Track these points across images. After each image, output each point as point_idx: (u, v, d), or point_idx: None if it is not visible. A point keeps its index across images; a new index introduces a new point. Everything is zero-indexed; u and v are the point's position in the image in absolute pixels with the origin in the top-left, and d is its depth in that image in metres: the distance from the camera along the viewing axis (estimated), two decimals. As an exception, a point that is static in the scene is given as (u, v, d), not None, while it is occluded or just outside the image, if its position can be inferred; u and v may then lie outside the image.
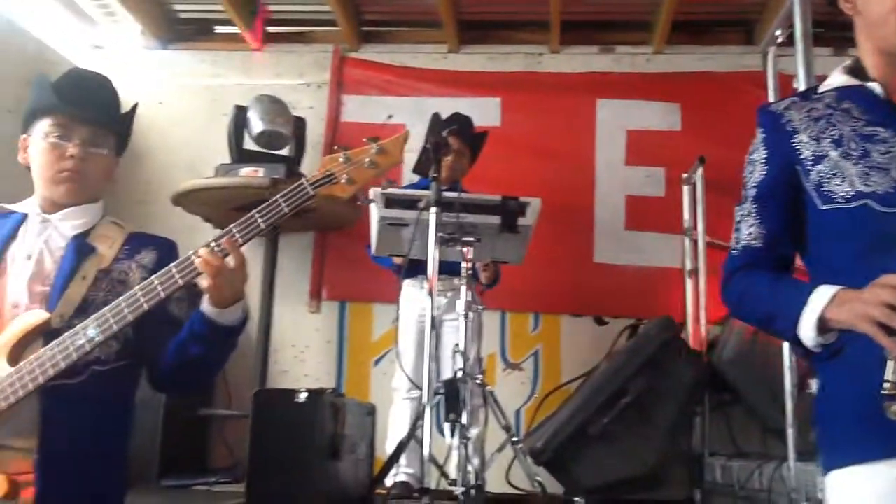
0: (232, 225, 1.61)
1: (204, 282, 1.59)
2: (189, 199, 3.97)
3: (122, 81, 1.91)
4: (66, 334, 1.59)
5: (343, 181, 1.63)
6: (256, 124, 4.03)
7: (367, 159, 1.65)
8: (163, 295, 1.59)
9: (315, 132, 4.49)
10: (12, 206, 1.87)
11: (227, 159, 4.08)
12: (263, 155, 4.05)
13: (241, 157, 4.07)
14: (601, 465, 3.37)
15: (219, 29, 4.88)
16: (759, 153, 1.45)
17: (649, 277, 4.32)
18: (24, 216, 1.83)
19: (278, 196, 1.61)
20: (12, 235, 1.80)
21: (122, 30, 4.80)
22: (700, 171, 3.99)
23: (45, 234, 1.80)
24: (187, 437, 3.91)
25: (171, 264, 1.61)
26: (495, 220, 3.00)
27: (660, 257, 4.33)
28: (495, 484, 3.20)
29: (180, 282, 1.59)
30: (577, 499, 3.15)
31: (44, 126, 1.80)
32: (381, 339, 4.40)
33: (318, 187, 1.63)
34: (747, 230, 1.45)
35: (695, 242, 4.10)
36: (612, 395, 3.37)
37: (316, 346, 4.43)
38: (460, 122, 3.54)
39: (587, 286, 4.33)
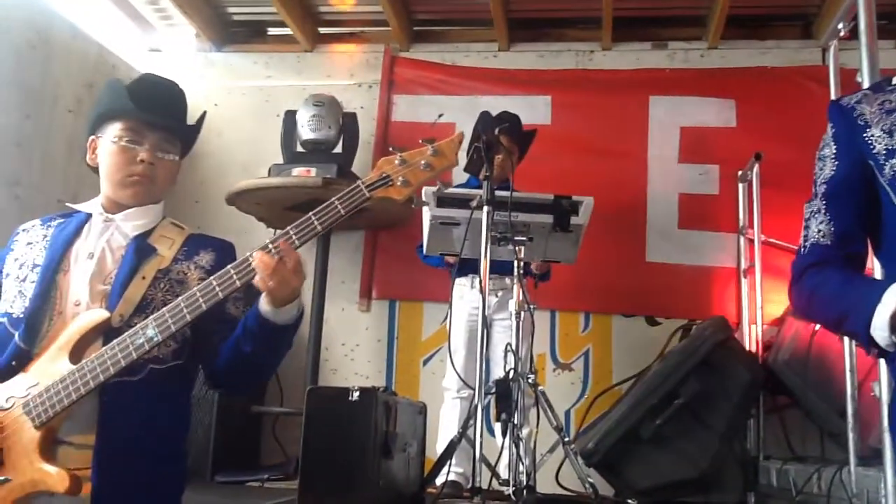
0: (289, 227, 1.62)
1: (261, 282, 1.60)
2: (243, 199, 4.03)
3: (178, 84, 1.94)
4: (125, 334, 1.62)
5: (399, 183, 1.63)
6: (305, 126, 4.07)
7: (422, 161, 1.64)
8: (221, 295, 1.61)
9: (366, 131, 4.52)
10: (77, 206, 1.90)
11: (280, 159, 4.13)
12: (315, 155, 4.08)
13: (293, 157, 4.11)
14: (653, 468, 3.33)
15: (272, 31, 4.95)
16: (828, 149, 1.42)
17: (703, 277, 4.25)
18: (88, 216, 1.87)
19: (334, 199, 1.62)
20: (76, 234, 1.84)
21: (178, 33, 4.91)
22: (756, 167, 3.91)
23: (108, 234, 1.83)
24: (240, 434, 3.97)
25: (230, 265, 1.63)
26: (548, 219, 2.98)
27: (714, 256, 4.26)
28: (545, 484, 3.18)
29: (238, 283, 1.61)
30: (629, 501, 3.11)
31: (115, 129, 1.83)
32: (430, 339, 4.41)
33: (373, 190, 1.63)
34: (816, 227, 1.40)
35: (750, 241, 4.03)
36: (665, 397, 3.33)
37: (366, 344, 4.46)
38: (509, 121, 3.53)
39: (639, 286, 4.28)
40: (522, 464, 2.61)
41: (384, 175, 1.64)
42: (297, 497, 2.43)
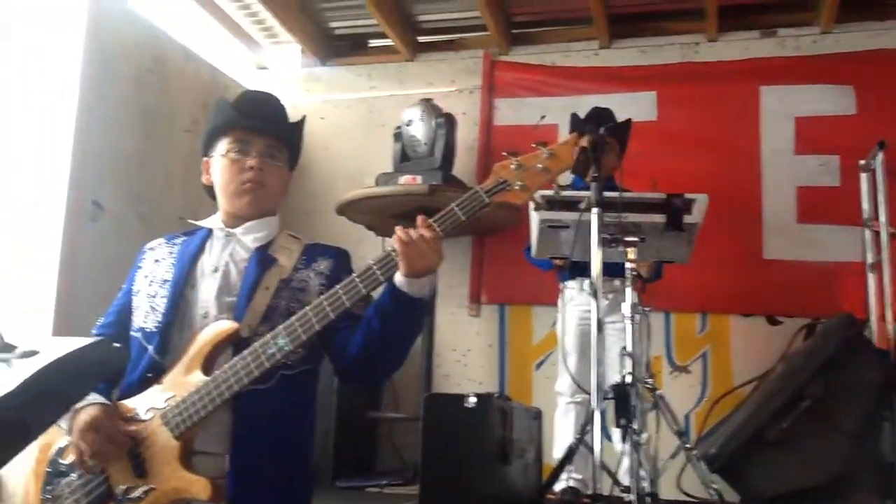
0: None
1: (401, 256, 1.61)
2: (352, 209, 4.10)
3: (285, 100, 2.00)
4: (255, 344, 1.66)
5: (517, 188, 1.62)
6: (409, 135, 4.11)
7: (538, 165, 1.63)
8: (347, 304, 1.64)
9: (469, 137, 4.53)
10: (198, 223, 1.98)
11: (386, 168, 4.19)
12: (417, 162, 4.11)
13: (399, 165, 4.16)
14: (780, 473, 3.20)
15: (373, 42, 5.03)
16: None
17: (826, 273, 4.05)
18: (210, 231, 1.94)
19: (453, 205, 1.63)
20: (201, 250, 1.91)
21: (284, 50, 5.06)
22: (880, 156, 3.71)
23: (230, 248, 1.90)
24: (357, 440, 4.04)
25: (354, 275, 1.65)
26: (660, 218, 2.90)
27: (837, 251, 4.05)
28: (666, 491, 3.10)
29: (363, 291, 1.64)
30: (756, 507, 3.01)
31: (224, 144, 1.90)
32: (541, 343, 4.37)
33: (492, 195, 1.63)
34: None
35: (876, 234, 3.82)
36: (790, 399, 3.21)
37: (477, 349, 4.46)
38: (602, 117, 3.47)
39: (757, 284, 4.11)
40: (644, 469, 2.55)
41: (501, 180, 1.63)
42: (419, 500, 2.45)
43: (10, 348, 1.22)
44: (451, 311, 4.46)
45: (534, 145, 1.64)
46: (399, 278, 1.66)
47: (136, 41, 3.83)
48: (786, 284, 4.08)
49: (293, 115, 2.01)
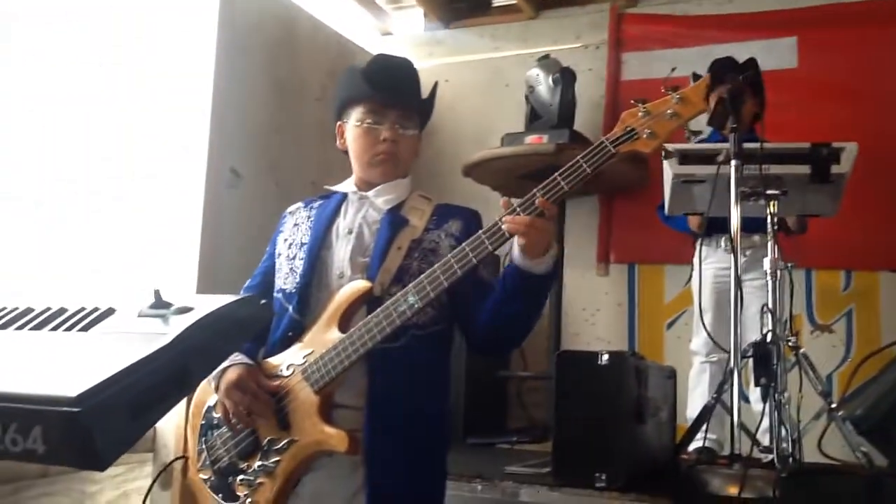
0: (535, 189, 1.63)
1: (518, 240, 1.63)
2: (478, 170, 4.11)
3: None
4: (387, 302, 1.70)
5: (645, 136, 1.58)
6: (532, 93, 4.06)
7: (667, 111, 1.58)
8: (474, 261, 1.65)
9: (596, 94, 4.43)
10: (334, 188, 2.03)
11: (511, 129, 4.16)
12: (546, 121, 4.06)
13: (530, 125, 4.12)
14: (935, 436, 3.01)
15: (496, 2, 4.98)
16: None
17: None
18: (344, 196, 2.00)
19: (579, 157, 1.60)
20: (336, 213, 1.97)
21: (407, 15, 5.09)
22: None
23: (363, 210, 1.95)
24: (487, 399, 4.09)
25: (480, 231, 1.66)
26: (804, 170, 2.75)
27: None
28: (807, 453, 2.98)
29: (490, 248, 1.64)
30: (909, 472, 2.84)
31: (357, 113, 1.93)
32: (673, 302, 4.27)
33: (619, 145, 1.60)
34: None
35: None
36: (948, 359, 2.99)
37: (606, 308, 4.41)
38: (741, 66, 3.30)
39: (909, 239, 3.86)
40: (784, 430, 2.46)
41: (629, 129, 1.60)
42: (552, 461, 2.46)
43: (166, 305, 1.28)
44: (580, 271, 4.42)
45: (663, 90, 1.59)
46: (521, 260, 1.67)
47: (267, 15, 3.95)
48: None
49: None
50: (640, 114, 1.60)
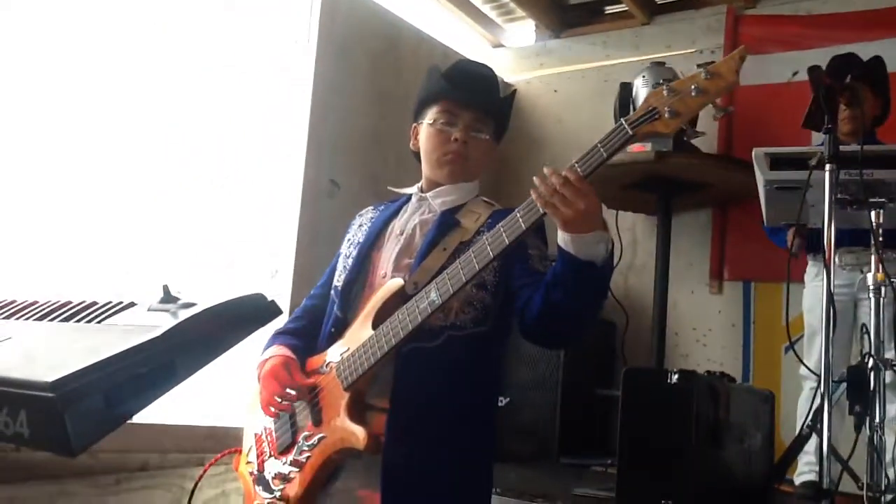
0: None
1: (546, 207, 1.54)
2: (582, 181, 3.97)
3: (520, 76, 1.96)
4: (413, 299, 1.67)
5: (666, 115, 1.46)
6: (640, 98, 3.90)
7: (692, 87, 1.46)
8: (492, 254, 1.58)
9: (709, 101, 4.20)
10: (400, 190, 2.04)
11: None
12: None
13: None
14: None
15: (609, 9, 4.85)
16: None
17: None
18: (409, 197, 1.99)
19: (597, 142, 1.53)
20: (395, 214, 1.97)
21: (519, 27, 5.04)
22: None
23: (420, 211, 1.93)
24: (586, 417, 3.94)
25: (500, 224, 1.59)
26: (913, 174, 2.46)
27: None
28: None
29: (524, 225, 1.56)
30: None
31: (432, 112, 1.92)
32: (793, 322, 3.93)
33: (637, 126, 1.49)
34: None
35: None
36: None
37: (719, 329, 4.16)
38: (852, 64, 3.01)
39: None
40: (881, 463, 2.20)
41: (651, 108, 1.48)
42: (616, 481, 2.32)
43: (173, 300, 1.30)
44: (690, 289, 4.20)
45: (697, 66, 1.46)
46: (563, 238, 1.57)
47: (370, 27, 4.02)
48: None
49: (526, 90, 1.97)
50: (664, 92, 1.48)
